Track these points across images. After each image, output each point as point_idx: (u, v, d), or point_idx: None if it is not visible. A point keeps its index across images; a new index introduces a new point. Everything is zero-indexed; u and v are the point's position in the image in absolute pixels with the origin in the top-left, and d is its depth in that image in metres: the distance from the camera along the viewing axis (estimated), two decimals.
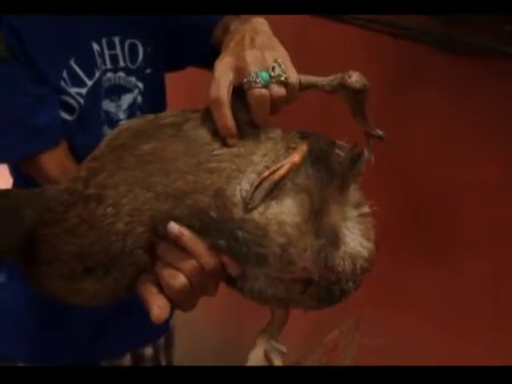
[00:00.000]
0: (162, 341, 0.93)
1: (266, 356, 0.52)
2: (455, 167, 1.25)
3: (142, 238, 0.48)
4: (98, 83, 0.70)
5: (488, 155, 1.22)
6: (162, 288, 0.50)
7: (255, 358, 0.52)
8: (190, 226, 0.48)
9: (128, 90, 0.75)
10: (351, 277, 0.50)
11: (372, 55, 1.30)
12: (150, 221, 0.48)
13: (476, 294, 1.30)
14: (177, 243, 0.49)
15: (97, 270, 0.49)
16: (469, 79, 1.18)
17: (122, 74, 0.75)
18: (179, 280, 0.49)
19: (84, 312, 0.76)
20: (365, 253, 0.51)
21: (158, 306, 0.49)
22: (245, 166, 0.48)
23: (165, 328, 0.93)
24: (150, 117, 0.52)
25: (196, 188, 0.48)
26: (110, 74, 0.73)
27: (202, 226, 0.48)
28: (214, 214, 0.47)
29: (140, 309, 0.85)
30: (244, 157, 0.49)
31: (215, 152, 0.49)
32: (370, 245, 0.52)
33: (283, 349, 0.53)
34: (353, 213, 0.52)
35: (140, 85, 0.76)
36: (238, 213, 0.47)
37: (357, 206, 0.52)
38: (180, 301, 0.50)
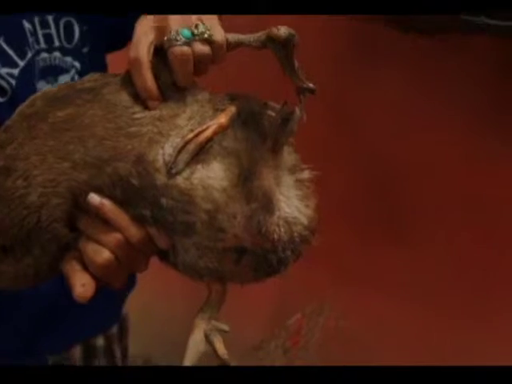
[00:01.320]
0: (114, 330, 0.90)
1: (206, 338, 0.49)
2: (418, 143, 1.24)
3: (60, 211, 0.45)
4: (30, 63, 0.67)
5: (449, 130, 1.21)
6: (86, 265, 0.47)
7: (194, 343, 0.49)
8: (111, 197, 0.45)
9: (65, 71, 0.72)
10: (289, 245, 0.48)
11: (327, 36, 1.28)
12: (68, 192, 0.45)
13: (443, 272, 1.30)
14: (99, 216, 0.45)
15: (14, 249, 0.46)
16: (425, 55, 1.18)
17: (57, 53, 0.71)
18: (103, 255, 0.45)
19: (24, 304, 0.72)
20: (303, 219, 0.49)
21: (81, 284, 0.46)
22: (168, 130, 0.46)
23: (116, 317, 0.90)
24: (69, 83, 0.49)
25: (115, 155, 0.44)
26: (44, 54, 0.70)
27: (124, 196, 0.45)
28: (135, 182, 0.44)
29: None
30: (167, 120, 0.46)
31: (135, 116, 0.45)
32: (309, 211, 0.49)
33: (225, 327, 0.50)
34: (288, 177, 0.49)
35: (77, 64, 0.73)
36: (161, 179, 0.44)
37: (293, 170, 0.50)
38: (106, 277, 0.47)
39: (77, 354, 0.84)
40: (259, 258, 0.47)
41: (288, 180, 0.49)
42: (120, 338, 0.92)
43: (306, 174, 0.50)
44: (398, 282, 1.32)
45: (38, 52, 0.68)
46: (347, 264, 1.37)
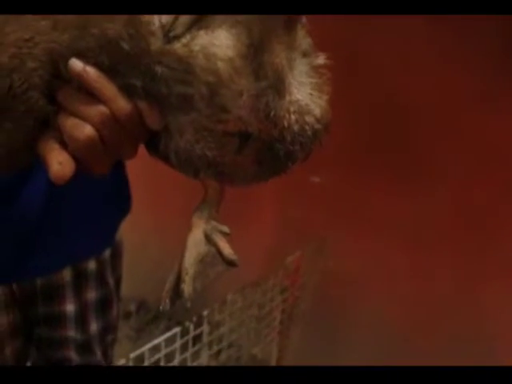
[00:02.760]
0: (107, 255, 0.85)
1: (207, 238, 0.44)
2: (426, 85, 1.18)
3: (37, 78, 0.38)
4: None
5: (461, 72, 1.15)
6: (66, 145, 0.41)
7: (194, 241, 0.44)
8: (97, 64, 0.38)
9: None
10: (298, 137, 0.42)
11: None
12: (47, 55, 0.38)
13: (445, 216, 1.26)
14: (81, 85, 0.39)
15: None
16: None
17: None
18: (85, 131, 0.39)
19: (10, 224, 0.67)
20: (316, 110, 0.43)
21: (59, 162, 0.39)
22: None
23: (109, 241, 0.85)
24: None
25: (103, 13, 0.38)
26: None
27: (111, 63, 0.38)
28: (126, 46, 0.37)
29: (79, 217, 0.76)
30: None
31: None
32: (322, 102, 0.43)
33: (225, 229, 0.45)
34: (301, 61, 0.43)
35: None
36: (156, 43, 0.37)
37: (306, 54, 0.43)
38: (87, 158, 0.41)
39: (67, 276, 0.79)
40: (265, 147, 0.41)
41: (301, 64, 0.43)
42: (113, 265, 0.87)
43: (320, 60, 0.44)
44: (399, 225, 1.29)
45: None
46: (349, 205, 1.33)
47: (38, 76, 0.38)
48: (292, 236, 1.30)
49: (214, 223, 0.44)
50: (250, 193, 1.28)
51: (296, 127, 0.41)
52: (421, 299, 1.32)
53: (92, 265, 0.82)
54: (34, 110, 0.39)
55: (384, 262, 1.34)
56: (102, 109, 0.39)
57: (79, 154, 0.40)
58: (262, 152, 0.41)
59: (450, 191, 1.25)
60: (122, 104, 0.39)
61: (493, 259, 1.24)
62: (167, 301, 0.42)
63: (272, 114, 0.39)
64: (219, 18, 0.39)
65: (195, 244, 0.43)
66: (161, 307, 0.42)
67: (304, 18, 0.43)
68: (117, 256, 0.88)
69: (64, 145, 0.40)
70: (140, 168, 0.95)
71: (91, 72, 0.38)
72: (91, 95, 0.39)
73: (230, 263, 0.42)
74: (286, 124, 0.40)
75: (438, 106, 1.21)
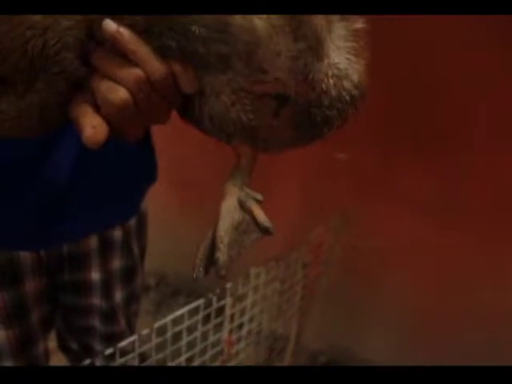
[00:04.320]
0: (132, 223, 0.85)
1: (241, 205, 0.43)
2: (456, 52, 1.15)
3: (72, 38, 0.37)
4: None
5: (486, 46, 1.11)
6: (99, 108, 0.40)
7: (228, 208, 0.43)
8: (131, 25, 0.37)
9: None
10: (336, 103, 0.40)
11: None
12: (81, 16, 0.37)
13: (471, 192, 1.23)
14: (116, 47, 0.38)
15: (15, 82, 0.38)
16: None
17: None
18: (119, 94, 0.38)
19: (40, 185, 0.67)
20: (354, 75, 0.41)
21: (92, 126, 0.38)
22: None
23: (135, 208, 0.84)
24: None
25: None
26: None
27: (146, 24, 0.37)
28: None
29: (106, 185, 0.76)
30: None
31: None
32: (360, 67, 0.42)
33: (259, 196, 0.44)
34: (339, 24, 0.41)
35: None
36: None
37: (345, 18, 0.42)
38: (121, 122, 0.40)
39: (93, 244, 0.80)
40: (301, 111, 0.40)
41: (340, 28, 0.41)
42: (138, 234, 0.87)
43: (359, 24, 0.42)
44: (424, 200, 1.27)
45: None
46: (373, 181, 1.31)
47: (73, 36, 0.37)
48: (315, 211, 1.29)
49: (247, 190, 0.43)
50: (273, 167, 1.27)
51: (334, 91, 0.40)
52: (446, 276, 1.30)
53: (118, 233, 0.82)
54: (67, 71, 0.38)
55: (408, 238, 1.33)
56: (137, 72, 0.38)
57: (113, 117, 0.39)
58: (298, 116, 0.40)
59: (476, 166, 1.22)
60: (157, 66, 0.38)
61: None
62: (201, 269, 0.42)
63: (310, 76, 0.38)
64: None
65: (229, 211, 0.43)
66: (194, 275, 0.41)
67: None
68: (142, 225, 0.88)
69: (97, 108, 0.40)
70: (164, 140, 0.95)
71: (125, 33, 0.37)
72: (125, 57, 0.38)
73: (265, 231, 0.41)
74: (324, 88, 0.39)
75: (465, 80, 1.17)
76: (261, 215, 0.42)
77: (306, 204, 1.33)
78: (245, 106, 0.39)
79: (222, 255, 0.41)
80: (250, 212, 0.42)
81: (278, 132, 0.42)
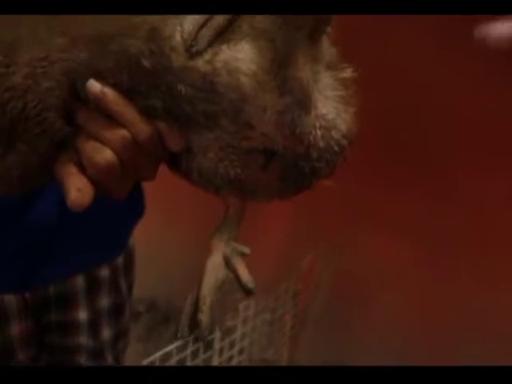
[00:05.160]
0: (120, 260, 0.84)
1: (227, 262, 0.43)
2: (443, 78, 1.16)
3: (54, 98, 0.37)
4: None
5: (471, 79, 1.14)
6: (84, 168, 0.39)
7: (213, 265, 0.42)
8: (116, 84, 0.37)
9: None
10: (324, 153, 0.40)
11: None
12: (63, 75, 0.36)
13: (460, 218, 1.24)
14: (100, 108, 0.38)
15: None
16: None
17: None
18: (105, 155, 0.38)
19: (21, 233, 0.66)
20: (342, 125, 0.41)
21: (77, 189, 0.38)
22: None
23: (122, 246, 0.83)
24: None
25: (124, 29, 0.36)
26: None
27: (132, 83, 0.37)
28: (147, 63, 0.36)
29: (93, 224, 0.75)
30: None
31: None
32: (348, 116, 0.42)
33: (246, 249, 0.44)
34: (327, 74, 0.41)
35: None
36: (178, 60, 0.36)
37: (332, 66, 0.42)
38: (107, 182, 0.39)
39: (80, 283, 0.78)
40: (290, 164, 0.40)
41: (326, 77, 0.41)
42: (126, 271, 0.86)
43: (346, 73, 0.42)
44: (412, 227, 1.28)
45: None
46: (361, 207, 1.31)
47: (55, 96, 0.37)
48: (304, 239, 1.29)
49: (234, 244, 0.43)
50: None
51: (322, 143, 0.40)
52: (435, 300, 1.31)
53: (105, 271, 0.81)
54: (49, 131, 0.38)
55: (397, 265, 1.33)
56: (123, 132, 0.38)
57: (99, 178, 0.39)
58: (286, 169, 0.40)
59: (464, 193, 1.23)
60: (143, 127, 0.38)
61: (509, 260, 1.22)
62: (185, 328, 0.41)
63: (298, 130, 0.38)
64: (242, 30, 0.37)
65: (214, 268, 0.42)
66: (178, 334, 0.41)
67: (329, 28, 0.41)
68: (130, 261, 0.86)
69: (82, 167, 0.39)
70: None
71: (110, 94, 0.37)
72: (111, 117, 0.38)
73: (248, 292, 0.41)
74: (312, 140, 0.39)
75: (452, 106, 1.19)
76: (245, 275, 0.41)
77: (295, 232, 1.33)
78: (232, 162, 0.39)
79: (204, 317, 0.40)
80: (234, 271, 0.42)
81: (266, 184, 0.41)
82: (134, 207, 0.82)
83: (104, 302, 0.83)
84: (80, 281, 0.78)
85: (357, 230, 1.29)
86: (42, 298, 0.77)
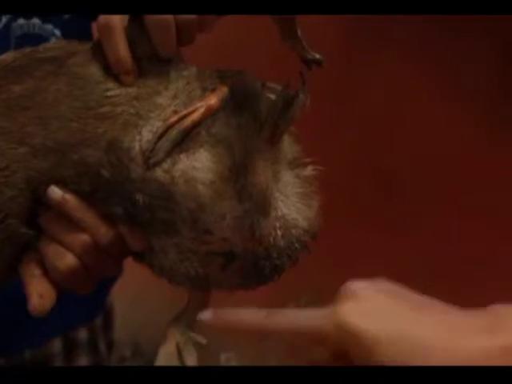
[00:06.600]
0: (98, 322, 0.83)
1: (179, 353, 0.42)
2: (418, 131, 1.19)
3: (16, 205, 0.38)
4: (5, 30, 0.60)
5: (449, 117, 1.16)
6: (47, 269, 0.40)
7: (166, 355, 0.42)
8: (77, 191, 0.38)
9: (44, 39, 0.65)
10: (285, 251, 0.41)
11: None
12: (25, 183, 0.38)
13: (444, 264, 1.25)
14: (62, 213, 0.39)
15: None
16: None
17: (36, 20, 0.64)
18: (67, 260, 0.39)
19: None
20: (303, 222, 0.42)
21: (39, 294, 0.39)
22: (147, 111, 0.38)
23: (100, 307, 0.83)
24: (27, 49, 0.41)
25: (83, 140, 0.37)
26: (21, 20, 0.62)
27: (92, 190, 0.38)
28: (106, 174, 0.37)
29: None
30: (146, 99, 0.39)
31: (108, 93, 0.38)
32: (310, 213, 0.42)
33: (202, 340, 0.43)
34: (288, 173, 0.42)
35: (58, 33, 0.66)
36: (137, 170, 0.37)
37: (293, 164, 0.43)
38: (70, 284, 0.40)
39: (57, 347, 0.78)
40: (250, 264, 0.40)
41: (287, 176, 0.42)
42: (105, 330, 0.85)
43: (308, 171, 0.43)
44: (398, 274, 1.28)
45: (14, 17, 0.61)
46: (344, 254, 1.32)
47: (17, 204, 0.38)
48: (286, 289, 1.29)
49: (190, 334, 0.43)
50: None
51: (282, 243, 0.40)
52: None
53: (83, 333, 0.80)
54: (13, 237, 0.38)
55: None
56: (84, 237, 0.39)
57: (61, 280, 0.39)
58: (247, 268, 0.41)
59: (447, 244, 1.24)
60: (104, 231, 0.39)
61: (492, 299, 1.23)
62: None
63: (257, 233, 0.39)
64: (200, 137, 0.38)
65: (166, 358, 0.42)
66: None
67: (291, 127, 0.43)
68: (108, 319, 0.86)
69: (45, 268, 0.40)
70: None
71: (71, 200, 0.38)
72: (72, 222, 0.38)
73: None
74: (271, 241, 0.40)
75: (432, 155, 1.21)
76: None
77: (277, 283, 1.33)
78: (192, 263, 0.40)
79: None
80: (183, 363, 0.42)
81: (227, 281, 0.42)
82: None
83: (82, 363, 0.82)
84: (57, 344, 0.78)
85: (339, 278, 1.29)
86: (17, 363, 0.76)
